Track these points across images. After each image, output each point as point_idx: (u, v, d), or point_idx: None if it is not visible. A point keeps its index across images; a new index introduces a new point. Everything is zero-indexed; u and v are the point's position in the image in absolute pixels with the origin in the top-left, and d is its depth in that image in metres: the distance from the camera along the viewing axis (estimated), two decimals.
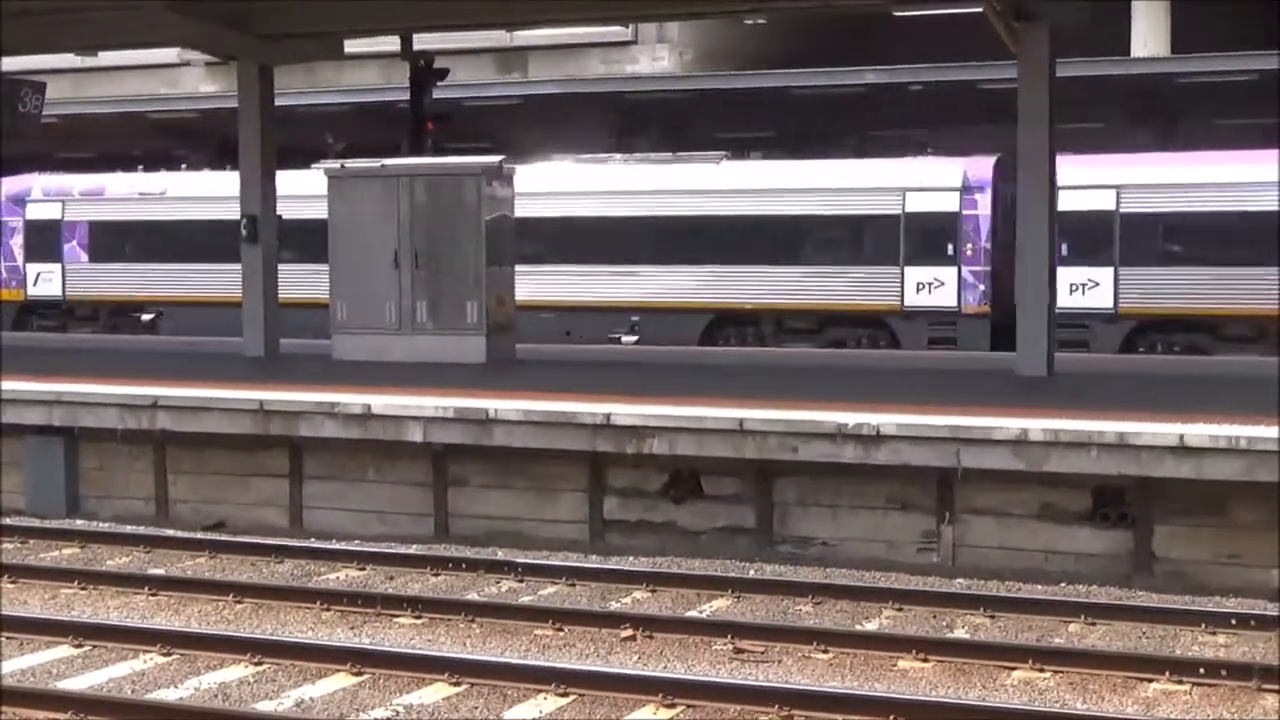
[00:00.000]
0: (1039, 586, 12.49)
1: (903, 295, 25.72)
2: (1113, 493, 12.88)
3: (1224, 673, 9.72)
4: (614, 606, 12.03)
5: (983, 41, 20.20)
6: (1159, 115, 27.31)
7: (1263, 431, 12.22)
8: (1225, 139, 25.07)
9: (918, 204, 25.50)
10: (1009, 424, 12.91)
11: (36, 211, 31.56)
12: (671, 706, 9.21)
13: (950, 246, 25.36)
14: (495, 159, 20.06)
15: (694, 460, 14.02)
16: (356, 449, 15.28)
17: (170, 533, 15.19)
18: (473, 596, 12.35)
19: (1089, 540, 12.97)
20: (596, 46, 35.66)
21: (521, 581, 12.87)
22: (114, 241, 31.03)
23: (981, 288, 25.34)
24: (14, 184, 31.81)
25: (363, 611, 11.77)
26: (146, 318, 30.65)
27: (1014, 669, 10.05)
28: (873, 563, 13.38)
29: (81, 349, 24.08)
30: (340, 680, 9.88)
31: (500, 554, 13.89)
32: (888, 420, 13.24)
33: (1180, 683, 9.71)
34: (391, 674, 9.90)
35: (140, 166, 31.99)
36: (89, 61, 34.92)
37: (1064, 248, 22.95)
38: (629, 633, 10.97)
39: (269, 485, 15.86)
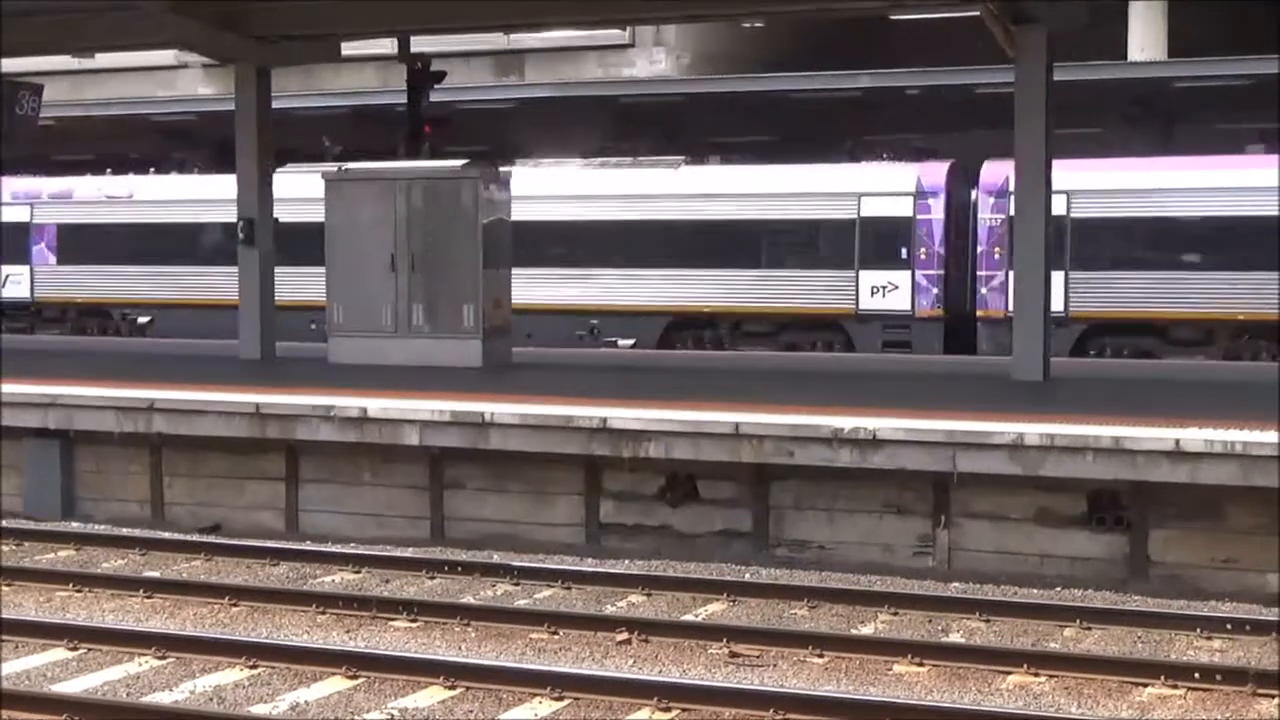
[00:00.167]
0: (1034, 591, 12.48)
1: (858, 299, 25.80)
2: (1108, 497, 12.88)
3: (1219, 677, 9.72)
4: (610, 610, 12.03)
5: (980, 45, 20.22)
6: (1155, 119, 27.31)
7: (1258, 436, 12.24)
8: (1214, 144, 25.04)
9: (872, 209, 25.62)
10: (1005, 428, 12.92)
11: (5, 214, 31.57)
12: (667, 710, 9.20)
13: (904, 251, 25.44)
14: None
15: (690, 464, 14.02)
16: (353, 452, 15.27)
17: (166, 535, 15.15)
18: (468, 600, 12.34)
19: (1085, 544, 12.97)
20: (593, 49, 35.67)
21: (517, 585, 12.86)
22: (82, 244, 31.07)
23: (935, 291, 25.43)
24: None
25: (358, 614, 11.75)
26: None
27: (1009, 673, 10.05)
28: (868, 567, 13.38)
29: (75, 350, 24.06)
30: (335, 683, 9.87)
31: (496, 557, 13.87)
32: (884, 424, 13.24)
33: (1175, 687, 9.70)
34: (387, 677, 9.89)
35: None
36: (86, 64, 34.87)
37: None
38: (624, 636, 10.96)
39: (265, 488, 15.86)
